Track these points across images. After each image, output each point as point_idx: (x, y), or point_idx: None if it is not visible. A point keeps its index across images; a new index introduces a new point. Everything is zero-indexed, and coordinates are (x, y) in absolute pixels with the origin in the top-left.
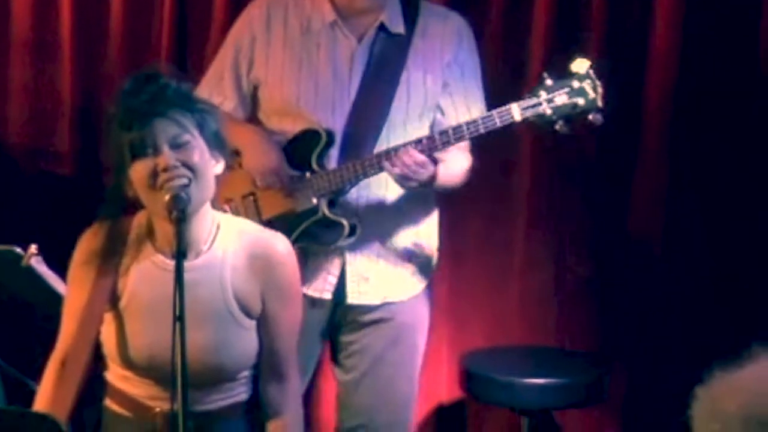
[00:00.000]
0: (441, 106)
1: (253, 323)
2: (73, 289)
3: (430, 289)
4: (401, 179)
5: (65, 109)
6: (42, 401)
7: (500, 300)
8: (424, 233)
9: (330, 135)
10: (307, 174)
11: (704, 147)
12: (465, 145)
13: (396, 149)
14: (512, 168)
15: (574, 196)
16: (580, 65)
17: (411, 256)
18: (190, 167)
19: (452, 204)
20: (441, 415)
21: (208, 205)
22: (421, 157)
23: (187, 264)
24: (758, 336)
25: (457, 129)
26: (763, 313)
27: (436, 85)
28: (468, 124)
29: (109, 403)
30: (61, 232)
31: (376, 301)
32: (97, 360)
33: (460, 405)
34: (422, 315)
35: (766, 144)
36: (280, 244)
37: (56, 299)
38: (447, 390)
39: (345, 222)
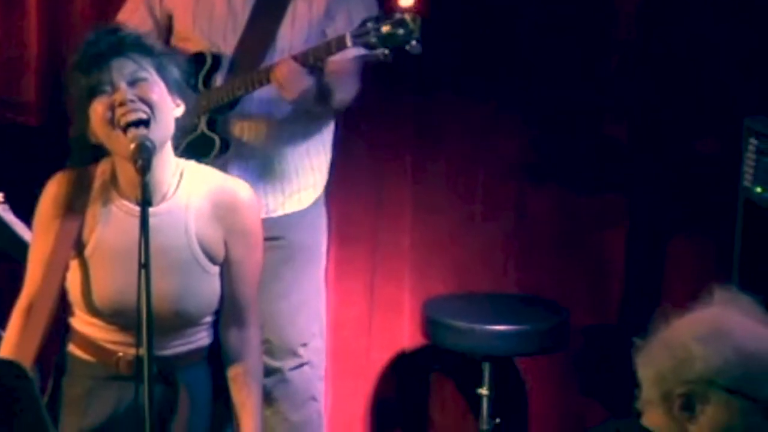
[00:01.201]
0: (326, 32)
1: (216, 269)
2: (39, 237)
3: (322, 205)
4: (282, 90)
5: (31, 59)
6: (7, 347)
7: (462, 248)
8: (313, 155)
9: (216, 58)
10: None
11: (667, 93)
12: (353, 68)
13: (268, 67)
14: (473, 119)
15: (535, 145)
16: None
17: (289, 175)
18: (147, 103)
19: (414, 154)
20: (403, 362)
21: (170, 151)
22: (297, 67)
23: (151, 209)
24: (716, 280)
25: (306, 51)
26: (722, 258)
27: (320, 13)
28: (315, 48)
29: (72, 348)
30: (27, 180)
31: (261, 215)
32: (63, 306)
33: (423, 352)
34: (316, 229)
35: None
36: (243, 191)
37: (22, 247)
38: (409, 337)
39: (217, 139)
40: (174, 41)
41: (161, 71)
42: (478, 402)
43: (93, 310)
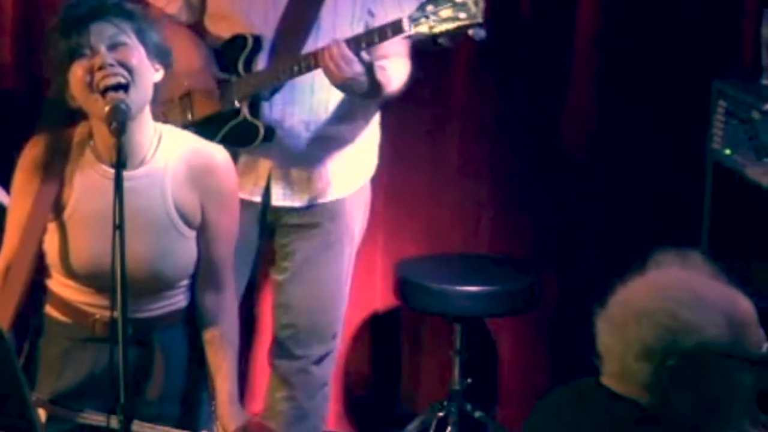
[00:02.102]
0: (372, 10)
1: (193, 233)
2: (17, 199)
3: (368, 188)
4: (330, 76)
5: (6, 22)
6: None
7: (434, 209)
8: (351, 141)
9: (257, 40)
10: (233, 78)
11: (635, 56)
12: (404, 51)
13: (315, 51)
14: (448, 79)
15: (509, 106)
16: None
17: (334, 162)
18: (127, 68)
19: (387, 116)
20: (375, 322)
21: (148, 115)
22: (348, 53)
23: (128, 173)
24: (686, 243)
25: (359, 36)
26: (691, 220)
27: None
28: (366, 33)
29: (49, 309)
30: (4, 143)
31: (300, 203)
32: (40, 268)
33: (395, 312)
34: (352, 219)
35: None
36: (219, 155)
37: (0, 210)
38: (381, 298)
39: (261, 125)
40: (207, 20)
41: (141, 36)
42: (450, 362)
43: (70, 272)
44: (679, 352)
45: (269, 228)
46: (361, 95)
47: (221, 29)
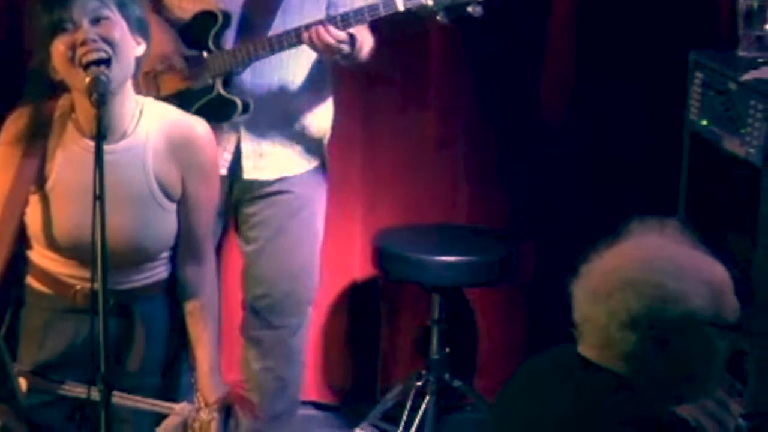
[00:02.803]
0: None
1: (173, 206)
2: None
3: (324, 166)
4: (317, 52)
5: None
6: None
7: (412, 180)
8: (317, 114)
9: (226, 16)
10: (204, 54)
11: (612, 27)
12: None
13: (299, 29)
14: (423, 52)
15: (485, 78)
16: None
17: (303, 135)
18: (109, 42)
19: (365, 89)
20: (354, 292)
21: (130, 89)
22: (335, 31)
23: (110, 146)
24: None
25: (344, 16)
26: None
27: None
28: (355, 12)
29: (31, 280)
30: None
31: (272, 177)
32: (22, 239)
33: (374, 282)
34: (319, 187)
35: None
36: (199, 127)
37: None
38: (360, 268)
39: (238, 100)
40: None
41: (123, 10)
42: (428, 332)
43: (52, 244)
44: (664, 322)
45: (235, 200)
46: (337, 60)
47: (185, 5)
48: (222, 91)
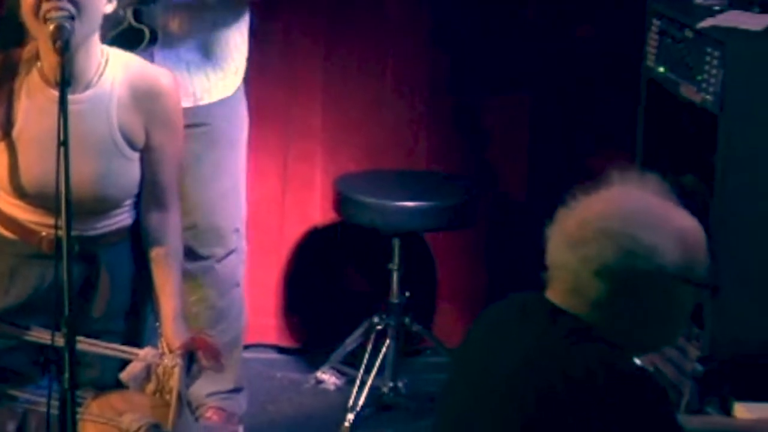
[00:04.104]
0: None
1: (137, 155)
2: None
3: (242, 98)
4: None
5: None
6: None
7: (373, 126)
8: (231, 44)
9: None
10: None
11: None
12: None
13: None
14: None
15: (445, 23)
16: None
17: (216, 65)
18: (73, 2)
19: (326, 35)
20: (315, 238)
21: (96, 39)
22: None
23: (75, 96)
24: (621, 159)
25: None
26: (625, 137)
27: None
28: None
29: None
30: None
31: (188, 104)
32: None
33: (334, 228)
34: (237, 118)
35: None
36: (163, 78)
37: None
38: (321, 214)
39: (146, 30)
40: None
41: None
42: (389, 277)
43: (18, 192)
44: (635, 274)
45: None
46: None
47: None
48: (132, 22)
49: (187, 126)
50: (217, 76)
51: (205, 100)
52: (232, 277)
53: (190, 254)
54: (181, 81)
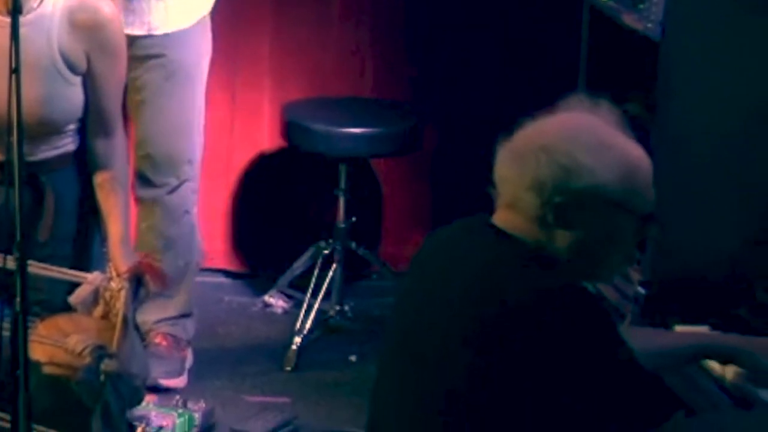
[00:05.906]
0: None
1: (78, 79)
2: None
3: (208, 25)
4: None
5: None
6: None
7: (320, 54)
8: None
9: None
10: None
11: None
12: None
13: None
14: None
15: None
16: None
17: None
18: None
19: None
20: (263, 164)
21: None
22: None
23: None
24: (564, 88)
25: None
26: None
27: None
28: None
29: None
30: None
31: (142, 32)
32: None
33: (282, 154)
34: (195, 49)
35: None
36: (105, 7)
37: None
38: (269, 140)
39: None
40: None
41: None
42: (335, 202)
43: None
44: (568, 191)
45: None
46: None
47: None
48: None
49: (143, 57)
50: (177, 9)
51: (161, 30)
52: (182, 205)
53: (145, 182)
54: (138, 9)
